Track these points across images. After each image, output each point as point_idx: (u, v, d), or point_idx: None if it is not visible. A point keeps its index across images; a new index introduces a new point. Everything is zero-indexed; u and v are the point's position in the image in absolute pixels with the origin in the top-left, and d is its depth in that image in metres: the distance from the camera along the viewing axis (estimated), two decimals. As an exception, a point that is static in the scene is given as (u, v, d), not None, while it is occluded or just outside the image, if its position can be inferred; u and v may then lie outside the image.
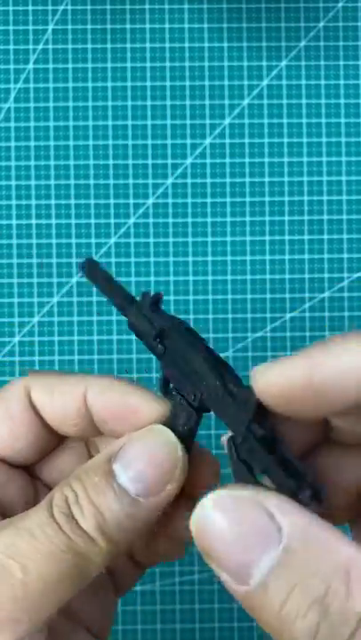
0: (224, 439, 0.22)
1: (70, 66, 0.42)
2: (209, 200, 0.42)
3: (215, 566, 0.19)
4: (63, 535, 0.21)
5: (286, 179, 0.42)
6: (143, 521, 0.22)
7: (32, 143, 0.42)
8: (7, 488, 0.25)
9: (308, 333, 0.42)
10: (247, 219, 0.42)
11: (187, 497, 0.23)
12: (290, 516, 0.18)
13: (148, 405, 0.23)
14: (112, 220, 0.42)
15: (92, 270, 0.25)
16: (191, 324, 0.41)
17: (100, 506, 0.22)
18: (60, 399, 0.25)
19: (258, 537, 0.17)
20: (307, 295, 0.42)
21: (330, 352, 0.19)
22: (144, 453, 0.22)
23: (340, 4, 0.42)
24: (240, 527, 0.18)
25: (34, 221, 0.42)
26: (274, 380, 0.20)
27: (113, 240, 0.42)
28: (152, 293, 0.25)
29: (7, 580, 0.21)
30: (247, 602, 0.18)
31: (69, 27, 0.42)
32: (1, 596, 0.21)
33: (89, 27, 0.42)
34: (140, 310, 0.24)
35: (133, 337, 0.41)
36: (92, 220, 0.42)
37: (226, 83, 0.42)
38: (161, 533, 0.25)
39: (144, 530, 0.22)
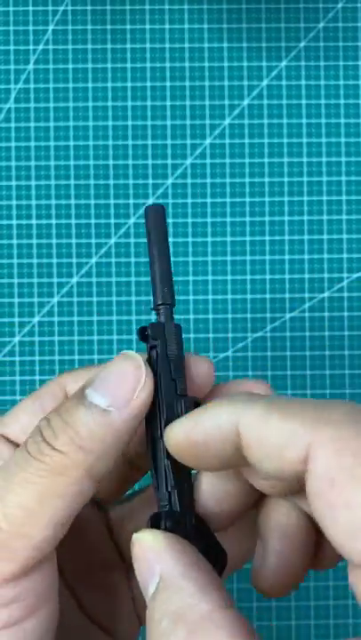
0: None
1: (70, 66, 0.42)
2: (209, 200, 0.42)
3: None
4: (35, 460, 0.22)
5: (286, 179, 0.42)
6: (119, 431, 0.23)
7: (32, 143, 0.42)
8: None
9: (307, 333, 0.42)
10: (247, 219, 0.42)
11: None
12: (163, 558, 0.21)
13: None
14: (112, 221, 0.42)
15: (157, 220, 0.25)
16: (191, 324, 0.42)
17: (72, 422, 0.22)
18: None
19: (149, 568, 0.21)
20: (306, 295, 0.42)
21: (205, 411, 0.22)
22: (112, 372, 0.23)
23: (339, 5, 0.42)
24: (145, 553, 0.22)
25: (34, 222, 0.42)
26: (174, 438, 0.23)
27: (113, 240, 0.42)
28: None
29: None
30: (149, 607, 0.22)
31: (69, 27, 0.42)
32: None
33: (89, 27, 0.42)
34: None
35: (133, 337, 0.42)
36: (93, 221, 0.42)
37: (226, 83, 0.42)
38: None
39: (125, 442, 0.23)
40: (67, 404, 0.23)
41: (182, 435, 0.23)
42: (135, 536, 0.22)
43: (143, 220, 0.42)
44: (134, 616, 0.28)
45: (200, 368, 0.25)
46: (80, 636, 0.26)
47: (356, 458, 0.19)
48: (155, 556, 0.21)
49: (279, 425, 0.21)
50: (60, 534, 0.22)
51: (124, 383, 0.23)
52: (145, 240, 0.42)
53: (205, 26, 0.42)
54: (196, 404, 0.24)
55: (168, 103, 0.42)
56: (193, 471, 0.24)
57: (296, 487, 0.22)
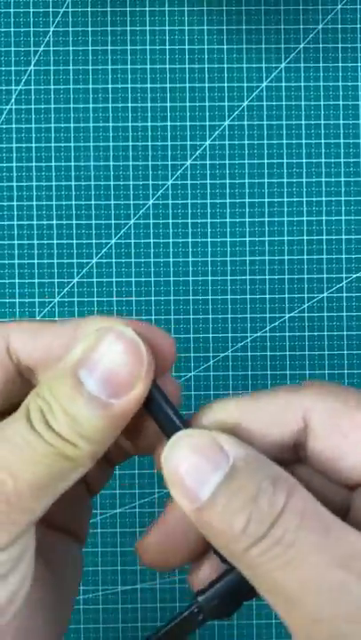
0: None
1: (71, 67, 0.42)
2: (209, 201, 0.42)
3: (175, 492, 0.22)
4: (44, 443, 0.22)
5: (285, 180, 0.42)
6: (119, 420, 0.23)
7: (33, 144, 0.42)
8: None
9: (307, 333, 0.42)
10: (247, 219, 0.42)
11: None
12: (236, 446, 0.22)
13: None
14: (112, 221, 0.42)
15: None
16: (191, 324, 0.42)
17: (74, 414, 0.22)
18: (45, 345, 0.25)
19: (209, 462, 0.22)
20: (306, 295, 0.42)
21: (210, 408, 0.25)
22: (107, 354, 0.23)
23: (339, 6, 0.42)
24: (196, 456, 0.22)
25: (35, 222, 0.42)
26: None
27: (113, 241, 0.42)
28: None
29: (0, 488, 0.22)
30: (199, 518, 0.22)
31: (70, 29, 0.42)
32: None
33: (89, 29, 0.42)
34: None
35: (134, 337, 0.42)
36: (93, 221, 0.42)
37: (225, 84, 0.42)
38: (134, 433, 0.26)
39: (122, 427, 0.23)
40: (61, 386, 0.23)
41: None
42: (182, 433, 0.23)
43: (143, 221, 0.42)
44: (86, 500, 0.28)
45: (161, 343, 0.25)
46: (39, 549, 0.26)
47: (348, 402, 0.23)
48: (226, 441, 0.22)
49: (271, 399, 0.24)
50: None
51: (125, 371, 0.23)
52: (145, 240, 0.42)
53: (205, 27, 0.42)
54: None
55: (168, 104, 0.42)
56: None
57: (291, 455, 0.24)
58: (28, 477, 0.22)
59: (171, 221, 0.42)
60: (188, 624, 0.24)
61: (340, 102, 0.42)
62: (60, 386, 0.23)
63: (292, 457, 0.25)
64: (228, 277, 0.42)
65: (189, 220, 0.42)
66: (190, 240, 0.42)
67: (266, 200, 0.42)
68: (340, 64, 0.42)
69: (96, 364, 0.23)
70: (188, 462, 0.22)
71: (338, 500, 0.24)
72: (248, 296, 0.42)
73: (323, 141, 0.42)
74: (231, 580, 0.24)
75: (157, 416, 0.24)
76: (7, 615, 0.23)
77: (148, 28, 0.42)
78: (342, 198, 0.42)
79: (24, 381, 0.25)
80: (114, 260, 0.42)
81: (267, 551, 0.21)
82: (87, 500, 0.29)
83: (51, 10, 0.42)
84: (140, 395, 0.23)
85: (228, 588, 0.23)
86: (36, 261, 0.42)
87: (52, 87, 0.42)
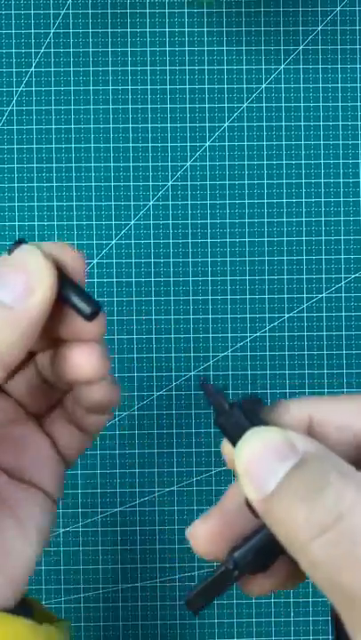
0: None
1: (72, 69, 0.42)
2: (209, 202, 0.42)
3: (245, 483, 0.22)
4: None
5: (285, 181, 0.42)
6: (27, 326, 0.24)
7: (34, 145, 0.42)
8: None
9: (306, 333, 0.42)
10: (246, 220, 0.42)
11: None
12: (307, 441, 0.22)
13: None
14: (113, 222, 0.42)
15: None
16: (191, 324, 0.42)
17: None
18: None
19: (279, 455, 0.22)
20: (305, 295, 0.42)
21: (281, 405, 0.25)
22: (10, 266, 0.24)
23: (338, 8, 0.42)
24: (268, 449, 0.22)
25: (35, 223, 0.42)
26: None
27: (114, 241, 0.42)
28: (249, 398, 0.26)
29: None
30: (266, 509, 0.22)
31: (70, 30, 0.42)
32: None
33: (90, 30, 0.42)
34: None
35: (134, 336, 0.42)
36: (94, 222, 0.42)
37: (225, 86, 0.42)
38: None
39: (31, 335, 0.24)
40: None
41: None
42: (257, 429, 0.23)
43: (143, 222, 0.42)
44: (56, 460, 0.29)
45: (71, 256, 0.26)
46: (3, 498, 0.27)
47: None
48: (298, 437, 0.22)
49: (349, 400, 0.25)
50: None
51: (25, 278, 0.24)
52: (145, 241, 0.42)
53: (205, 29, 0.42)
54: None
55: (168, 106, 0.42)
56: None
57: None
58: None
59: (171, 222, 0.42)
60: (223, 580, 0.24)
61: (340, 104, 0.42)
62: None
63: None
64: (228, 277, 0.42)
65: (189, 221, 0.42)
66: (190, 240, 0.42)
67: (265, 201, 0.42)
68: (339, 65, 0.42)
69: (1, 275, 0.24)
70: (259, 453, 0.22)
71: None
72: (248, 296, 0.42)
73: (322, 142, 0.42)
74: (265, 535, 0.24)
75: (73, 304, 0.25)
76: None
77: (148, 29, 0.42)
78: (341, 199, 0.42)
79: None
80: (114, 261, 0.42)
81: (332, 546, 0.20)
82: (57, 460, 0.29)
83: (51, 12, 0.42)
84: (40, 298, 0.24)
85: (263, 542, 0.24)
86: (36, 262, 0.42)
87: (53, 88, 0.42)
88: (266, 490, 0.22)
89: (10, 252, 0.25)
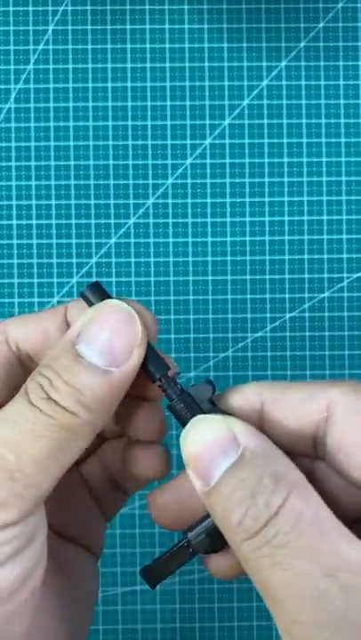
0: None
1: (70, 66, 0.42)
2: (209, 200, 0.42)
3: (191, 474, 0.23)
4: (45, 416, 0.23)
5: (286, 179, 0.42)
6: (118, 388, 0.23)
7: (32, 143, 0.42)
8: None
9: (307, 333, 0.42)
10: (247, 219, 0.42)
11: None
12: (249, 435, 0.23)
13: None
14: (112, 221, 0.42)
15: (96, 294, 0.25)
16: (191, 324, 0.42)
17: (75, 384, 0.23)
18: (40, 331, 0.26)
19: (222, 448, 0.22)
20: (306, 295, 0.42)
21: (236, 389, 0.26)
22: (105, 326, 0.24)
23: (339, 5, 0.42)
24: (210, 442, 0.22)
25: (34, 221, 0.42)
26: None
27: (113, 240, 0.42)
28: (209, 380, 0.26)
29: (2, 465, 0.22)
30: (208, 501, 0.22)
31: (69, 27, 0.42)
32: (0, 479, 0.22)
33: (89, 27, 0.42)
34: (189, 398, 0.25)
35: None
36: (93, 221, 0.42)
37: (226, 83, 0.42)
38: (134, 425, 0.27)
39: (120, 396, 0.24)
40: (62, 361, 0.23)
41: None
42: (201, 417, 0.23)
43: (143, 221, 0.42)
44: (98, 517, 0.29)
45: (146, 316, 0.25)
46: (53, 555, 0.27)
47: None
48: (241, 430, 0.22)
49: (298, 388, 0.24)
50: (59, 480, 0.24)
51: (121, 340, 0.23)
52: (145, 240, 0.42)
53: (205, 26, 0.42)
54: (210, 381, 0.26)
55: (168, 103, 0.42)
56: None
57: (311, 449, 0.24)
58: (29, 451, 0.22)
59: (171, 221, 0.42)
60: (178, 557, 0.26)
61: (341, 101, 0.42)
62: (60, 360, 0.23)
63: (312, 452, 0.25)
64: (229, 277, 0.42)
65: (189, 220, 0.42)
66: (190, 240, 0.42)
67: (266, 199, 0.42)
68: (340, 63, 0.42)
69: (95, 336, 0.23)
70: (202, 445, 0.23)
71: (355, 500, 0.24)
72: (248, 296, 0.42)
73: (323, 140, 0.42)
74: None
75: (153, 378, 0.25)
76: (20, 595, 0.23)
77: (147, 26, 0.42)
78: (343, 198, 0.42)
79: (26, 372, 0.26)
80: (114, 260, 0.42)
81: (257, 549, 0.21)
82: (101, 519, 0.29)
83: (50, 8, 0.42)
84: (136, 362, 0.24)
85: (216, 525, 0.24)
86: (35, 261, 0.42)
87: (52, 86, 0.42)
88: (209, 482, 0.22)
89: (85, 297, 0.25)
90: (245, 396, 0.25)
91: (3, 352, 0.26)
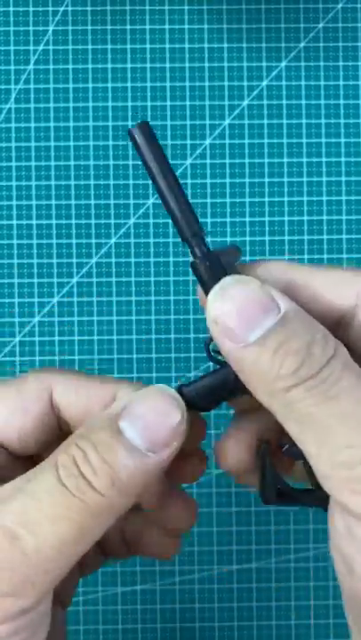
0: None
1: (70, 67, 0.42)
2: (209, 200, 0.42)
3: (217, 331, 0.22)
4: (74, 498, 0.21)
5: (286, 179, 0.42)
6: (153, 474, 0.23)
7: (32, 144, 0.42)
8: (11, 477, 0.25)
9: (307, 333, 0.42)
10: (247, 219, 0.42)
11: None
12: (286, 299, 0.22)
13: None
14: (112, 221, 0.42)
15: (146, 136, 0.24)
16: (191, 325, 0.42)
17: (113, 463, 0.22)
18: (85, 400, 0.25)
19: (260, 307, 0.22)
20: (306, 295, 0.42)
21: (259, 265, 0.25)
22: (150, 409, 0.23)
23: (339, 5, 0.42)
24: (249, 300, 0.22)
25: (34, 222, 0.42)
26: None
27: (113, 240, 0.42)
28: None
29: (20, 547, 0.21)
30: (244, 356, 0.22)
31: (70, 27, 0.42)
32: (15, 562, 0.21)
33: (89, 27, 0.42)
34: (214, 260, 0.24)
35: (134, 336, 0.42)
36: (93, 221, 0.42)
37: (226, 83, 0.42)
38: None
39: (149, 483, 0.23)
40: (101, 436, 0.22)
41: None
42: (236, 276, 0.23)
43: (143, 221, 0.42)
44: (76, 575, 0.28)
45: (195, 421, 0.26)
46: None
47: None
48: (278, 295, 0.22)
49: (327, 273, 0.24)
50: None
51: (163, 426, 0.22)
52: (145, 240, 0.42)
53: (205, 26, 0.42)
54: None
55: (168, 103, 0.42)
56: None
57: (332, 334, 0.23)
58: (50, 536, 0.21)
59: (171, 221, 0.42)
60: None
61: (341, 101, 0.42)
62: (99, 433, 0.22)
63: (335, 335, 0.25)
64: (229, 277, 0.42)
65: (189, 220, 0.42)
66: (190, 240, 0.42)
67: (266, 199, 0.42)
68: (340, 63, 0.42)
69: (139, 416, 0.22)
70: (237, 304, 0.22)
71: None
72: (248, 296, 0.42)
73: (323, 140, 0.42)
74: (216, 379, 0.24)
75: (183, 235, 0.25)
76: None
77: (147, 26, 0.42)
78: (343, 197, 0.42)
79: (62, 435, 0.25)
80: (114, 260, 0.42)
81: (312, 389, 0.21)
82: (77, 576, 0.28)
83: (50, 9, 0.42)
84: (174, 451, 0.23)
85: (211, 385, 0.24)
86: (35, 261, 0.42)
87: (52, 86, 0.42)
88: (245, 340, 0.22)
89: (132, 136, 0.23)
90: (271, 272, 0.24)
91: (43, 406, 0.25)
